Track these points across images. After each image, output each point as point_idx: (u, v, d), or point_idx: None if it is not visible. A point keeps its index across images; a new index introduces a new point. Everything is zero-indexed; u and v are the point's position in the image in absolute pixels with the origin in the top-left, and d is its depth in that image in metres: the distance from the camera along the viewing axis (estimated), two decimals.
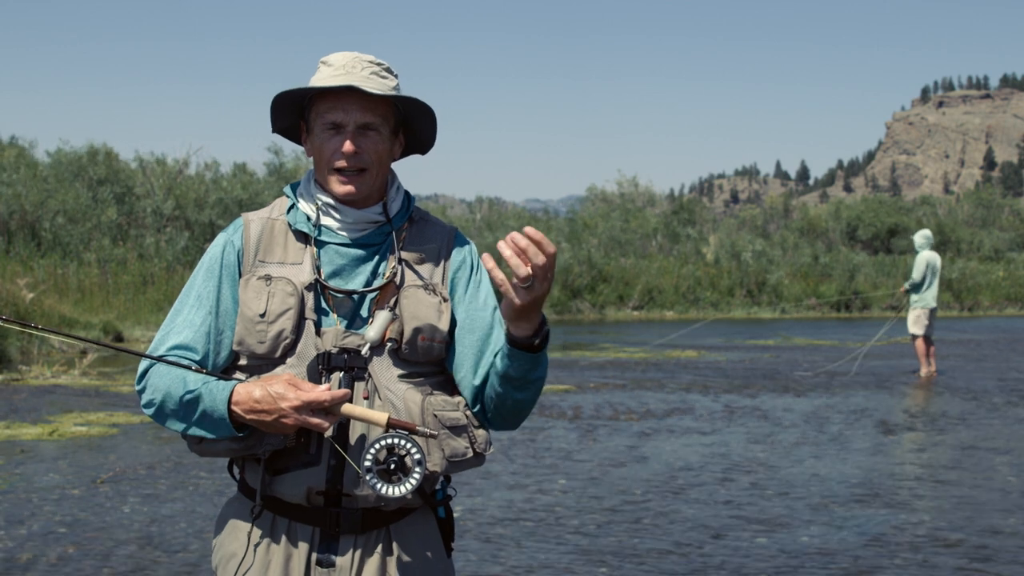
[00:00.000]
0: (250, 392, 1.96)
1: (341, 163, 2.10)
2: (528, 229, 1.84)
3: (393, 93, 2.12)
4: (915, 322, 14.50)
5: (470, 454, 2.09)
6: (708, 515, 6.36)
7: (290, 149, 32.83)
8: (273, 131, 2.25)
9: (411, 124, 2.22)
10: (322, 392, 1.94)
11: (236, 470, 2.19)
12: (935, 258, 14.59)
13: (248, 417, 1.97)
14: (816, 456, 8.37)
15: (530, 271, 1.85)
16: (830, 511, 6.50)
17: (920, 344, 14.55)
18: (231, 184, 28.09)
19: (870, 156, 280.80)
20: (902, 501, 6.84)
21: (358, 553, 2.06)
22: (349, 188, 2.11)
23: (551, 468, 7.74)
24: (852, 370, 14.71)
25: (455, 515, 2.34)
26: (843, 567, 5.32)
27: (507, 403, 2.08)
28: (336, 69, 2.11)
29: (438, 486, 2.17)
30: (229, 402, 1.98)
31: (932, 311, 14.45)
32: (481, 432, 2.14)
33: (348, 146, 2.09)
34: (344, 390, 1.98)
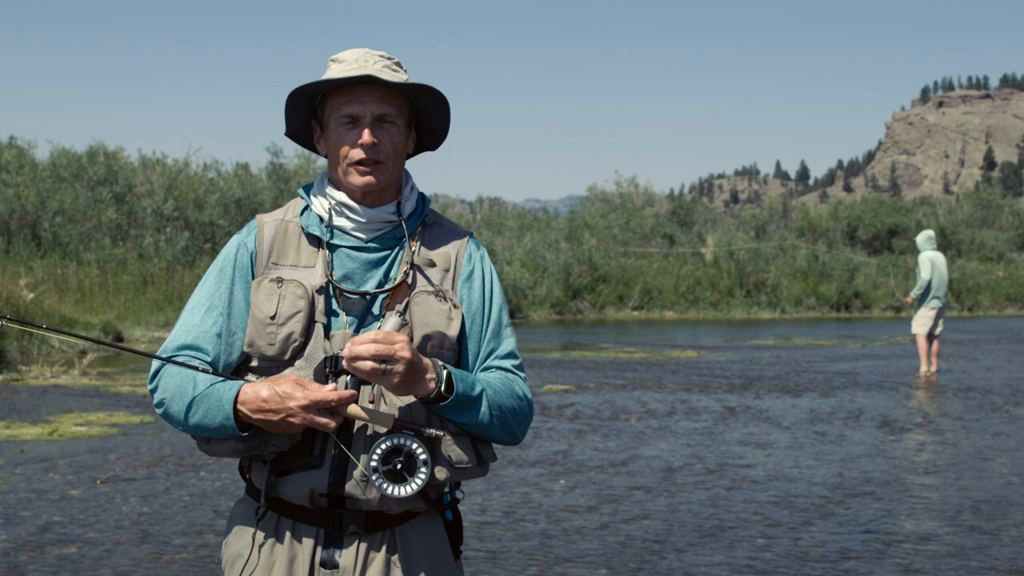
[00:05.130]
0: (257, 392, 1.97)
1: (359, 155, 2.10)
2: (357, 349, 1.91)
3: (408, 82, 2.13)
4: (918, 320, 14.59)
5: (475, 462, 2.09)
6: (708, 515, 6.36)
7: (291, 150, 32.81)
8: (286, 134, 2.25)
9: (424, 117, 2.22)
10: (329, 392, 1.95)
11: (246, 472, 2.19)
12: (937, 257, 14.62)
13: (255, 417, 1.97)
14: (816, 456, 8.37)
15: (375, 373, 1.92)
16: (830, 511, 6.50)
17: (921, 342, 14.60)
18: (230, 184, 28.07)
19: (870, 156, 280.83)
20: (902, 501, 6.84)
21: (362, 555, 2.06)
22: (368, 179, 2.11)
23: (551, 468, 7.73)
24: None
25: None
26: (843, 567, 5.32)
27: (465, 429, 2.10)
28: (349, 64, 2.11)
29: (447, 489, 2.17)
30: (235, 402, 1.98)
31: (940, 310, 14.50)
32: (485, 443, 2.14)
33: (367, 136, 2.09)
34: (351, 391, 1.98)
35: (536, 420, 9.98)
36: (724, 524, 6.15)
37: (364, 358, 1.90)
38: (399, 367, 1.92)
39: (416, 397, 2.00)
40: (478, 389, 2.05)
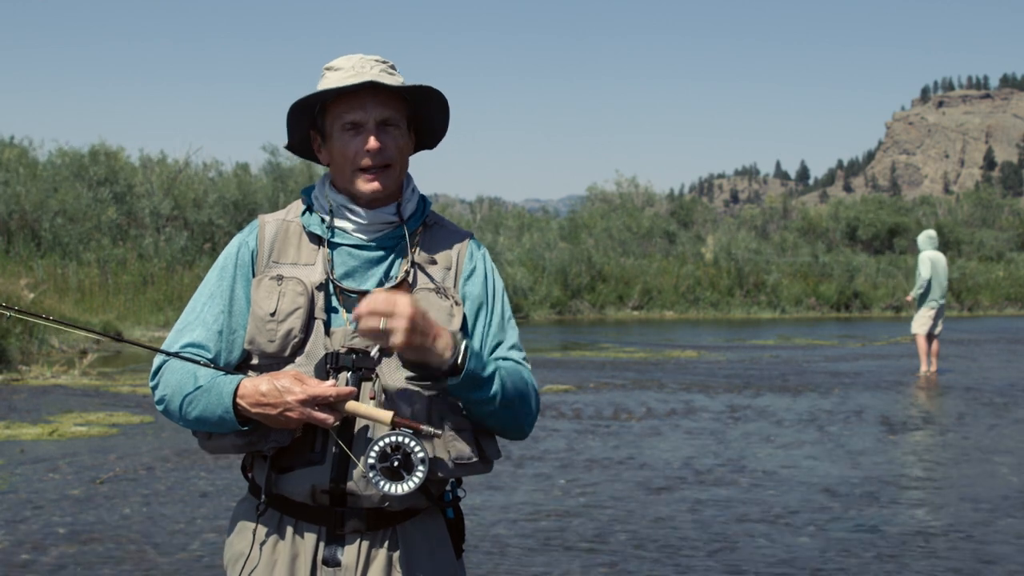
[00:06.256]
0: (256, 386, 1.97)
1: (367, 161, 2.10)
2: (367, 305, 1.90)
3: (409, 84, 2.14)
4: (917, 320, 14.60)
5: (476, 458, 2.09)
6: (708, 515, 6.35)
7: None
8: (286, 147, 2.25)
9: (421, 117, 2.22)
10: (328, 387, 1.95)
11: (249, 471, 2.19)
12: (937, 257, 14.62)
13: (253, 411, 1.97)
14: (816, 456, 8.37)
15: (377, 329, 1.91)
16: (830, 511, 6.50)
17: (921, 342, 14.61)
18: (230, 184, 28.07)
19: (870, 156, 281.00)
20: (902, 501, 6.84)
21: (364, 553, 2.05)
22: (376, 185, 2.11)
23: (551, 468, 7.73)
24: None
25: None
26: (844, 567, 5.32)
27: (474, 417, 2.08)
28: (346, 71, 2.11)
29: (448, 487, 2.16)
30: (235, 396, 1.99)
31: (939, 310, 14.51)
32: (489, 438, 2.13)
33: (373, 143, 2.09)
34: (350, 387, 1.98)
35: (537, 420, 9.97)
36: (725, 523, 6.14)
37: (364, 314, 1.90)
38: (401, 323, 1.90)
39: (431, 366, 1.97)
40: (492, 367, 2.05)
